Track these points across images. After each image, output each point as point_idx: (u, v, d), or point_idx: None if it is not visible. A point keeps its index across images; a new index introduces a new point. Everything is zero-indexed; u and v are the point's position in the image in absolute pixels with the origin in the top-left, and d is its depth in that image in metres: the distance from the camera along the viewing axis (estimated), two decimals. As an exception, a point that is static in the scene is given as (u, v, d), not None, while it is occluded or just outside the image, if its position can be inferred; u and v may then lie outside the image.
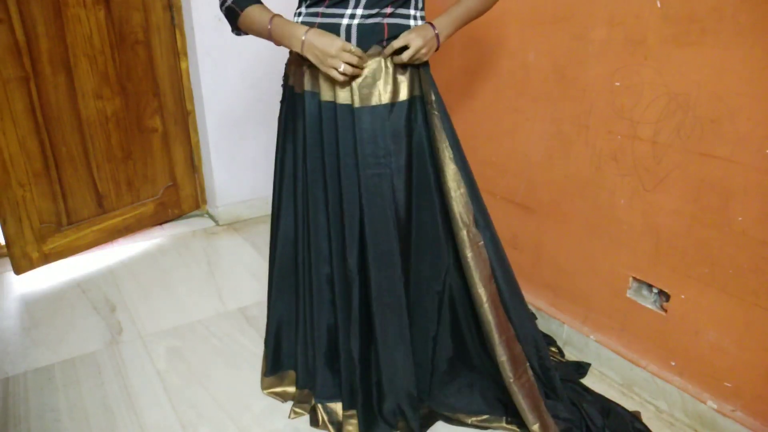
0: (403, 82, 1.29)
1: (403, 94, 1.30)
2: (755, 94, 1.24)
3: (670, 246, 1.48)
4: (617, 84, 1.52)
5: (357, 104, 1.27)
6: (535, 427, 1.37)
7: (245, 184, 2.78)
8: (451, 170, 1.35)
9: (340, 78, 1.22)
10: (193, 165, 2.74)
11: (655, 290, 1.57)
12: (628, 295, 1.62)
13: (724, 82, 1.29)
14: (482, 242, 1.38)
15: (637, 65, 1.46)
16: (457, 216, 1.36)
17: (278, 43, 1.27)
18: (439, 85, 1.39)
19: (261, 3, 1.31)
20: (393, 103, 1.29)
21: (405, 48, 1.24)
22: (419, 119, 1.34)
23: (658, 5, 1.38)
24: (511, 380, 1.37)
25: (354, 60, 1.20)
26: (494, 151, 1.98)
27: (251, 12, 1.28)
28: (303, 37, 1.21)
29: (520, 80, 1.82)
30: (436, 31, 1.27)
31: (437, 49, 1.29)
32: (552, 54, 1.69)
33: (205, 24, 2.41)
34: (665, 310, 1.53)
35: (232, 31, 1.37)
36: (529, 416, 1.37)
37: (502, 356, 1.37)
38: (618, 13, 1.48)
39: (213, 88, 2.53)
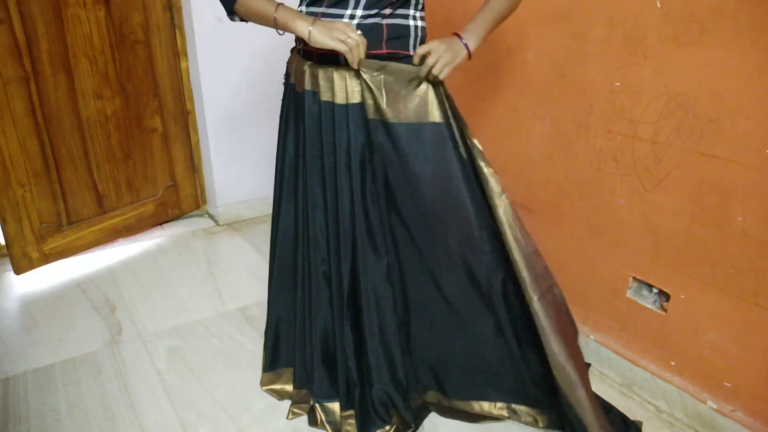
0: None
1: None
2: (755, 93, 1.24)
3: (669, 246, 1.48)
4: (617, 84, 1.52)
5: (353, 101, 1.26)
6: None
7: (245, 184, 2.77)
8: (491, 178, 1.32)
9: (345, 48, 1.15)
10: (193, 165, 2.74)
11: (655, 290, 1.56)
12: (628, 295, 1.62)
13: (723, 81, 1.29)
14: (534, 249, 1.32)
15: (637, 65, 1.46)
16: (505, 224, 1.29)
17: (283, 29, 1.23)
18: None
19: None
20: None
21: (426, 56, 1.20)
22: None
23: (658, 5, 1.38)
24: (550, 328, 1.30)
25: (357, 37, 1.15)
26: (494, 151, 1.98)
27: None
28: (311, 27, 1.17)
29: (520, 80, 1.82)
30: (464, 41, 1.23)
31: (470, 58, 1.25)
32: (551, 54, 1.69)
33: (205, 24, 2.40)
34: (665, 310, 1.53)
35: (228, 15, 1.33)
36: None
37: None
38: (618, 13, 1.48)
39: (213, 88, 2.53)
